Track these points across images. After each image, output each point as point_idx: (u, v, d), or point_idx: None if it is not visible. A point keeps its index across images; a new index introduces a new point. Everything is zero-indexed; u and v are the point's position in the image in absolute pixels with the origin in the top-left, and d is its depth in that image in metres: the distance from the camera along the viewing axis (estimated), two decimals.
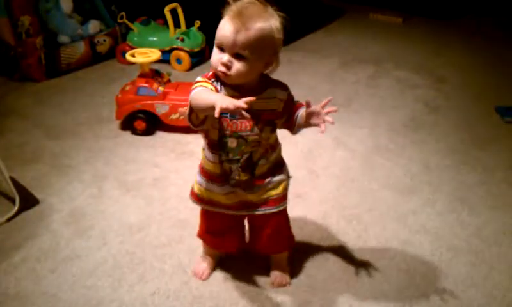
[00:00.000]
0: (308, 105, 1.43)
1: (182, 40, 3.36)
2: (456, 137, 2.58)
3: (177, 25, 3.40)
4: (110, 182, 2.23)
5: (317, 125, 1.43)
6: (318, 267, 1.77)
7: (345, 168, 2.32)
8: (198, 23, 3.37)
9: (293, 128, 1.51)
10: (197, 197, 1.62)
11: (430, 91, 3.10)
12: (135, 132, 2.60)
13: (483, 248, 1.85)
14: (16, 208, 2.01)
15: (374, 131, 2.62)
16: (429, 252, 1.84)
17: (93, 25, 3.49)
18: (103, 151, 2.47)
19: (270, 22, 1.35)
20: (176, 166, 2.35)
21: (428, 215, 2.03)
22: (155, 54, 2.56)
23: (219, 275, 1.73)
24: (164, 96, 2.56)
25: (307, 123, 1.45)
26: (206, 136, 1.51)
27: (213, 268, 1.76)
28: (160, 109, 2.56)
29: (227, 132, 1.44)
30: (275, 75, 1.47)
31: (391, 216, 2.01)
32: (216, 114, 1.22)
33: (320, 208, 2.04)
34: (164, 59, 3.22)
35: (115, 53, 3.55)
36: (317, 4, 4.36)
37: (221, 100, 1.24)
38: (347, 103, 2.89)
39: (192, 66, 3.43)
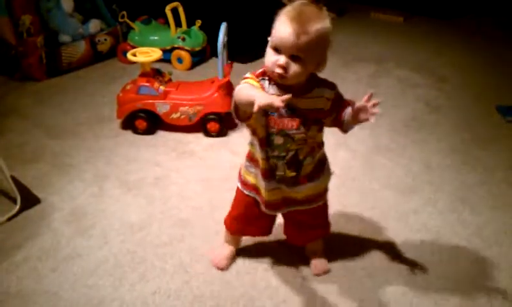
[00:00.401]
0: (352, 104, 1.43)
1: (183, 39, 3.36)
2: (456, 137, 2.58)
3: (178, 24, 3.40)
4: (111, 181, 2.23)
5: (366, 119, 1.43)
6: None
7: (346, 168, 2.31)
8: (199, 23, 3.37)
9: (342, 125, 1.51)
10: (242, 181, 1.65)
11: (431, 90, 3.10)
12: (136, 131, 2.60)
13: (484, 247, 1.85)
14: (17, 207, 2.01)
15: (375, 131, 2.61)
16: (430, 251, 1.83)
17: (94, 25, 3.49)
18: (104, 150, 2.47)
19: (325, 23, 1.37)
20: (177, 165, 2.35)
21: (429, 214, 2.02)
22: (156, 53, 2.56)
23: (220, 274, 1.73)
24: (165, 95, 2.56)
25: (356, 120, 1.45)
26: (254, 133, 1.53)
27: (232, 258, 1.78)
28: (161, 108, 2.56)
29: (274, 130, 1.47)
30: None
31: (392, 216, 2.01)
32: (254, 109, 1.25)
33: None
34: (165, 59, 3.22)
35: (116, 52, 3.55)
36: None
37: (260, 97, 1.27)
38: None
39: (193, 65, 3.43)
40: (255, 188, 1.61)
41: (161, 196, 2.13)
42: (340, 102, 1.49)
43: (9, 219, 1.98)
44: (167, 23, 3.40)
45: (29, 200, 2.08)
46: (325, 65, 1.44)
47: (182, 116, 2.56)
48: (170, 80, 2.69)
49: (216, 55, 2.48)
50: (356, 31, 4.16)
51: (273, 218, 1.72)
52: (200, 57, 3.47)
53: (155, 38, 3.43)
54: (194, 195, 2.14)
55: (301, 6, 1.37)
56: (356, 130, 2.58)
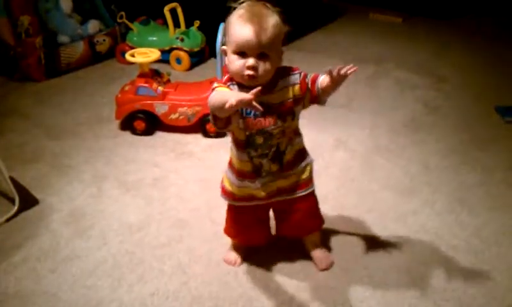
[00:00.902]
0: (324, 73, 1.46)
1: (182, 40, 3.36)
2: (455, 138, 2.58)
3: (177, 25, 3.40)
4: (110, 182, 2.23)
5: (343, 76, 1.41)
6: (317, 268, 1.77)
7: (345, 168, 2.32)
8: (197, 23, 3.37)
9: (319, 99, 1.51)
10: (230, 195, 1.67)
11: (430, 91, 3.10)
12: (135, 132, 2.61)
13: (483, 248, 1.85)
14: (16, 208, 2.01)
15: (374, 131, 2.61)
16: (429, 252, 1.83)
17: (93, 25, 3.49)
18: (103, 151, 2.47)
19: (275, 16, 1.42)
20: (176, 166, 2.35)
21: (427, 215, 2.02)
22: (155, 54, 2.56)
23: (218, 275, 1.73)
24: (163, 96, 2.56)
25: (332, 83, 1.43)
26: (233, 137, 1.56)
27: (243, 259, 1.79)
28: (160, 108, 2.56)
29: (253, 131, 1.49)
30: None
31: (391, 216, 2.01)
32: (226, 106, 1.27)
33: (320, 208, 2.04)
34: (164, 59, 3.22)
35: (115, 53, 3.55)
36: (317, 3, 4.36)
37: (231, 96, 1.29)
38: (347, 104, 2.89)
39: (192, 66, 3.43)
40: (245, 198, 1.64)
41: (160, 197, 2.13)
42: (307, 80, 1.51)
43: (8, 219, 1.98)
44: (165, 24, 3.40)
45: (28, 201, 2.08)
46: (282, 57, 1.48)
47: (181, 117, 2.56)
48: (169, 80, 2.69)
49: (215, 56, 2.49)
50: (355, 32, 4.15)
51: (266, 224, 1.75)
52: (199, 57, 3.47)
53: (154, 38, 3.43)
54: (192, 196, 2.14)
55: (251, 7, 1.41)
56: (355, 130, 2.60)
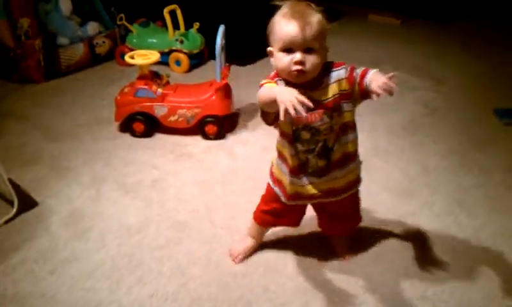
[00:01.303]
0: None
1: (181, 42, 3.36)
2: (454, 140, 2.58)
3: (176, 27, 3.40)
4: (109, 184, 2.23)
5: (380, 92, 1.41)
6: (316, 269, 1.77)
7: None
8: (197, 25, 3.37)
9: (368, 93, 1.47)
10: (272, 176, 1.69)
11: (429, 93, 3.10)
12: (134, 133, 2.61)
13: (481, 250, 1.85)
14: (14, 210, 2.01)
15: (373, 133, 2.62)
16: (428, 254, 1.83)
17: (92, 27, 3.50)
18: (102, 153, 2.47)
19: (318, 14, 1.44)
20: (175, 168, 2.35)
21: (426, 217, 2.02)
22: (154, 56, 2.56)
23: (217, 277, 1.73)
24: (163, 98, 2.56)
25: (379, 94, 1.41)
26: (281, 131, 1.55)
27: (251, 253, 1.81)
28: (159, 110, 2.56)
29: (299, 126, 1.49)
30: None
31: (389, 218, 2.01)
32: (282, 117, 1.29)
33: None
34: (163, 61, 3.22)
35: (114, 55, 3.56)
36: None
37: (280, 93, 1.33)
38: None
39: (191, 68, 3.43)
40: (279, 182, 1.64)
41: (159, 199, 2.13)
42: (357, 73, 1.49)
43: (7, 221, 1.98)
44: (165, 25, 3.40)
45: (27, 203, 2.08)
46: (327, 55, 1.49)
47: (180, 119, 2.56)
48: (168, 82, 2.69)
49: (214, 58, 2.49)
50: (354, 34, 4.16)
51: (303, 210, 1.75)
52: (198, 59, 3.47)
53: (153, 40, 3.44)
54: (191, 198, 2.14)
55: (294, 5, 1.44)
56: None
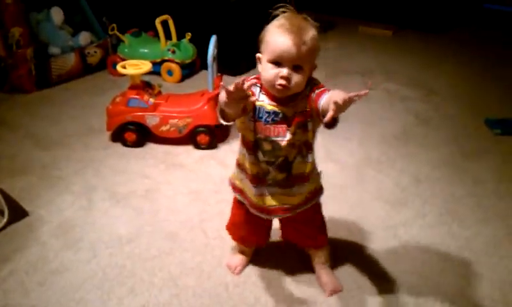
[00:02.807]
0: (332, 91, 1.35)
1: (173, 52, 3.36)
2: (446, 149, 2.59)
3: (168, 37, 3.40)
4: (100, 194, 2.22)
5: (348, 101, 1.21)
6: (307, 279, 1.76)
7: (336, 180, 2.31)
8: (189, 36, 3.38)
9: (321, 117, 1.37)
10: (232, 185, 1.68)
11: (420, 103, 3.12)
12: (125, 143, 2.60)
13: (473, 260, 1.85)
14: (5, 220, 1.99)
15: (365, 143, 2.62)
16: (420, 264, 1.83)
17: (84, 37, 3.49)
18: (93, 162, 2.46)
19: (314, 30, 1.41)
20: (166, 178, 2.34)
21: (418, 227, 2.03)
22: (146, 66, 2.56)
23: (209, 287, 1.72)
24: (154, 107, 2.55)
25: (334, 108, 1.23)
26: (243, 138, 1.55)
27: (246, 264, 1.80)
28: (151, 120, 2.55)
29: (261, 136, 1.48)
30: None
31: (381, 228, 2.01)
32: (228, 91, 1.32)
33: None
34: (155, 71, 3.22)
35: (106, 64, 3.55)
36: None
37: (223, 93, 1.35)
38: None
39: (183, 78, 3.43)
40: (242, 191, 1.64)
41: (150, 209, 2.12)
42: (314, 93, 1.42)
43: None
44: (157, 35, 3.40)
45: (17, 213, 2.06)
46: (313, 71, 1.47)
47: (172, 129, 2.56)
48: (160, 92, 2.69)
49: (206, 68, 2.49)
50: (345, 45, 4.18)
51: (269, 225, 1.74)
52: (190, 69, 3.47)
53: (145, 50, 3.44)
54: (183, 208, 2.13)
55: (291, 18, 1.40)
56: (346, 142, 2.60)
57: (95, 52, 3.53)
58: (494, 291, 1.72)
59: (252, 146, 1.52)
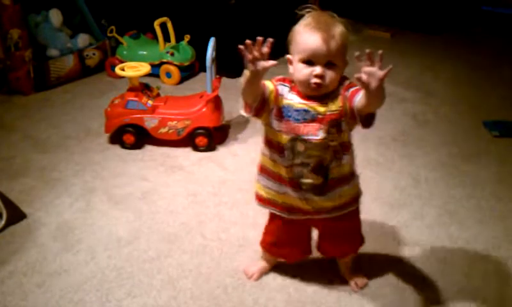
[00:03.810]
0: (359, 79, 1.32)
1: (172, 54, 3.36)
2: (444, 151, 2.59)
3: (167, 39, 3.40)
4: (98, 196, 2.22)
5: (379, 79, 1.34)
6: (307, 281, 1.76)
7: None
8: (187, 38, 3.38)
9: (356, 114, 1.40)
10: (269, 202, 1.60)
11: (419, 105, 3.12)
12: (124, 145, 2.59)
13: (472, 262, 1.85)
14: (3, 222, 1.99)
15: (363, 144, 2.61)
16: (419, 265, 1.83)
17: (83, 39, 3.49)
18: (91, 164, 2.45)
19: (342, 27, 1.40)
20: (165, 180, 2.34)
21: (417, 228, 2.03)
22: (145, 68, 2.56)
23: (207, 290, 1.72)
24: (153, 110, 2.55)
25: (368, 94, 1.33)
26: (270, 141, 1.50)
27: (265, 273, 1.78)
28: (150, 122, 2.55)
29: (293, 136, 1.45)
30: None
31: (380, 230, 2.01)
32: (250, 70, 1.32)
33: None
34: (154, 73, 3.22)
35: (104, 67, 3.55)
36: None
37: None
38: None
39: (182, 80, 3.43)
40: (270, 201, 1.59)
41: (149, 211, 2.12)
42: (348, 92, 1.42)
43: None
44: (155, 38, 3.40)
45: (16, 215, 2.05)
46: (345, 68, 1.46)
47: (171, 131, 2.56)
48: (158, 94, 2.69)
49: (205, 70, 2.49)
50: None
51: (309, 230, 1.69)
52: (189, 71, 3.47)
53: (144, 52, 3.43)
54: (182, 210, 2.13)
55: (318, 16, 1.40)
56: None
57: (94, 54, 3.53)
58: (493, 292, 1.72)
59: (282, 148, 1.47)
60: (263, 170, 1.57)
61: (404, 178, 2.36)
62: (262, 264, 1.78)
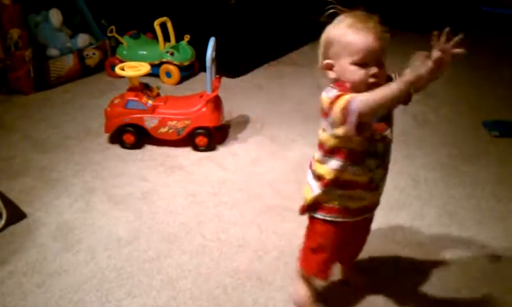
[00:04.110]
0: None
1: (172, 54, 3.36)
2: (444, 152, 2.59)
3: (167, 39, 3.40)
4: (98, 196, 2.22)
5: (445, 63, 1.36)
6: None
7: None
8: (187, 38, 3.38)
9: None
10: (327, 210, 1.47)
11: (419, 105, 3.12)
12: (124, 145, 2.59)
13: (472, 262, 1.86)
14: (3, 222, 1.99)
15: None
16: (418, 266, 1.83)
17: (83, 39, 3.49)
18: (91, 164, 2.45)
19: (380, 24, 1.39)
20: (165, 180, 2.34)
21: (417, 229, 2.03)
22: (145, 68, 2.56)
23: (207, 290, 1.72)
24: (153, 109, 2.55)
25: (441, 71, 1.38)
26: (345, 151, 1.39)
27: (316, 295, 1.64)
28: (149, 122, 2.55)
29: (376, 137, 1.41)
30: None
31: (380, 230, 2.01)
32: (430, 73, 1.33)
33: None
34: (154, 73, 3.22)
35: (104, 66, 3.55)
36: (302, 20, 4.37)
37: (413, 73, 1.33)
38: None
39: (182, 79, 3.43)
40: (340, 210, 1.47)
41: (149, 211, 2.12)
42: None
43: None
44: (155, 37, 3.40)
45: (15, 215, 2.06)
46: None
47: (170, 131, 2.56)
48: (158, 94, 2.69)
49: (205, 70, 2.49)
50: None
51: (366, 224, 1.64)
52: (189, 71, 3.47)
53: (144, 52, 3.44)
54: (181, 210, 2.13)
55: (358, 16, 1.38)
56: None
57: (94, 53, 3.53)
58: (493, 293, 1.72)
59: (363, 154, 1.40)
60: (337, 182, 1.43)
61: (404, 179, 2.36)
62: (309, 287, 1.63)
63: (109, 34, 3.47)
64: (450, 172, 2.42)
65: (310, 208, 1.50)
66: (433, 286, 1.74)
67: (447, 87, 3.38)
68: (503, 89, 3.36)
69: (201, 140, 2.55)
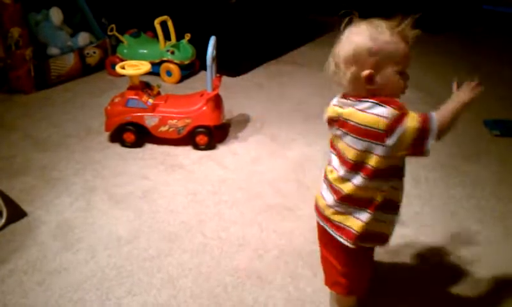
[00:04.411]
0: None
1: (172, 53, 3.36)
2: (444, 151, 2.59)
3: (167, 37, 3.40)
4: (99, 194, 2.22)
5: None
6: (307, 281, 1.76)
7: None
8: (188, 36, 3.38)
9: None
10: (372, 235, 1.40)
11: (418, 105, 3.09)
12: (124, 144, 2.60)
13: (472, 262, 1.85)
14: (3, 220, 1.99)
15: None
16: (419, 266, 1.84)
17: (83, 38, 3.49)
18: (92, 163, 2.45)
19: None
20: (165, 178, 2.34)
21: (417, 228, 2.02)
22: (145, 66, 2.56)
23: (207, 288, 1.72)
24: (153, 108, 2.55)
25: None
26: (398, 165, 1.39)
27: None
28: (150, 121, 2.55)
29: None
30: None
31: None
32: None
33: (309, 221, 2.04)
34: (154, 72, 3.22)
35: (105, 65, 3.55)
36: (302, 19, 4.38)
37: (466, 95, 1.39)
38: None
39: (182, 78, 3.43)
40: (381, 234, 1.43)
41: (149, 210, 2.12)
42: None
43: None
44: (156, 36, 3.40)
45: (16, 213, 2.06)
46: None
47: (171, 129, 2.56)
48: (159, 93, 2.69)
49: (205, 69, 2.49)
50: None
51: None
52: (189, 70, 3.48)
53: (144, 51, 3.44)
54: (182, 209, 2.13)
55: (385, 22, 1.39)
56: None
57: (94, 52, 3.53)
58: (493, 292, 1.72)
59: (401, 168, 1.40)
60: (387, 205, 1.39)
61: (404, 178, 2.35)
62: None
63: (109, 33, 3.47)
64: (451, 171, 2.42)
65: (363, 238, 1.38)
66: (433, 286, 1.74)
67: (448, 86, 3.36)
68: (504, 89, 3.36)
69: (201, 139, 2.56)
